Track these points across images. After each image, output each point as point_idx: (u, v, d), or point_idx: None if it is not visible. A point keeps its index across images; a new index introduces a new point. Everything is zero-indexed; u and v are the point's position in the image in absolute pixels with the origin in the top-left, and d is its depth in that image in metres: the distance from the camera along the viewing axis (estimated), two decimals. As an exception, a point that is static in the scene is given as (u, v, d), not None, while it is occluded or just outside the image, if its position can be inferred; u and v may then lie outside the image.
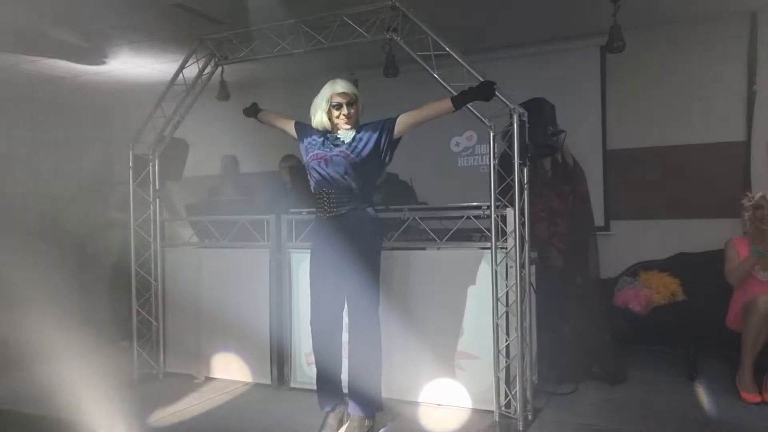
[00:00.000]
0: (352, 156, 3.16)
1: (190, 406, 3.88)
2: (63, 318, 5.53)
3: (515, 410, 3.38)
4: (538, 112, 3.46)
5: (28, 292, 5.66)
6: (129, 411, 3.75)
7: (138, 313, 4.57)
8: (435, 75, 3.52)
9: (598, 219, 5.48)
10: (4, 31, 4.72)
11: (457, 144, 6.17)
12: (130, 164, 4.49)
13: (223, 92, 4.57)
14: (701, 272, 4.82)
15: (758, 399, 3.60)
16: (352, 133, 3.22)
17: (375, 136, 3.19)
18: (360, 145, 3.18)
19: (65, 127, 7.20)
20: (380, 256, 3.30)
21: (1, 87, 6.22)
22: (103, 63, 5.79)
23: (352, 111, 3.21)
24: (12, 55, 5.37)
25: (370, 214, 3.24)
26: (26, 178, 6.20)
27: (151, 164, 4.53)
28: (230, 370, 4.37)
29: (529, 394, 3.45)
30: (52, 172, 6.16)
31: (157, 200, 4.56)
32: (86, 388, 4.30)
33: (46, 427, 3.61)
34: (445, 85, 3.48)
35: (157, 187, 4.55)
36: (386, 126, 3.21)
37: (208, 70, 4.39)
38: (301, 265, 4.11)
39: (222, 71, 4.44)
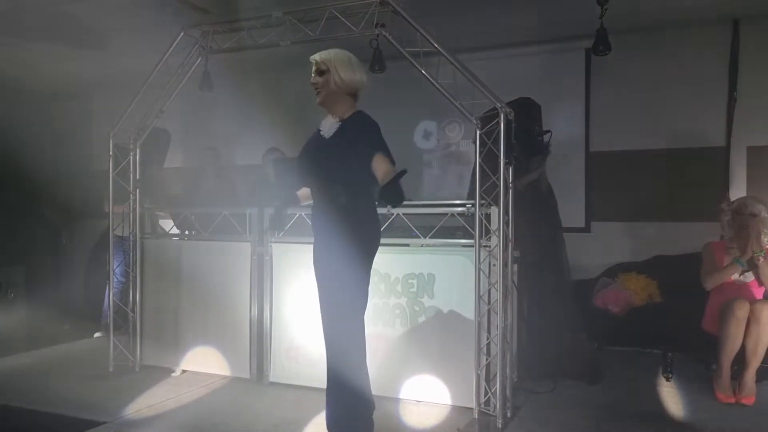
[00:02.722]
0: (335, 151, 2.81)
1: (167, 399, 3.83)
2: (39, 306, 5.46)
3: (494, 408, 3.40)
4: (525, 111, 3.47)
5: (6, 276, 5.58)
6: (104, 403, 3.71)
7: (115, 304, 4.51)
8: (423, 72, 3.51)
9: (579, 220, 5.55)
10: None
11: (441, 141, 6.18)
12: (110, 153, 4.41)
13: (207, 82, 4.52)
14: (678, 274, 4.88)
15: (732, 400, 3.66)
16: (336, 127, 2.85)
17: (356, 142, 2.80)
18: (343, 142, 2.81)
19: (46, 114, 7.07)
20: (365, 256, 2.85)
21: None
22: (86, 48, 5.69)
23: (319, 80, 2.82)
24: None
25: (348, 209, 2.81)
26: (8, 163, 6.08)
27: (131, 153, 4.46)
28: (209, 363, 4.32)
29: (508, 392, 3.46)
30: (34, 159, 6.04)
31: (137, 190, 4.50)
32: (61, 379, 4.25)
33: (21, 418, 3.54)
34: (433, 82, 3.48)
35: (137, 177, 4.49)
36: (368, 144, 2.80)
37: (192, 59, 4.33)
38: (283, 258, 4.08)
39: (206, 61, 4.38)
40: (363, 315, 2.85)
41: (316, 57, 2.84)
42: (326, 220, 2.83)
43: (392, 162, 2.76)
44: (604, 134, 5.64)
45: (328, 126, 2.86)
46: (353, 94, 2.89)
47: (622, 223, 5.55)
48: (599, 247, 5.47)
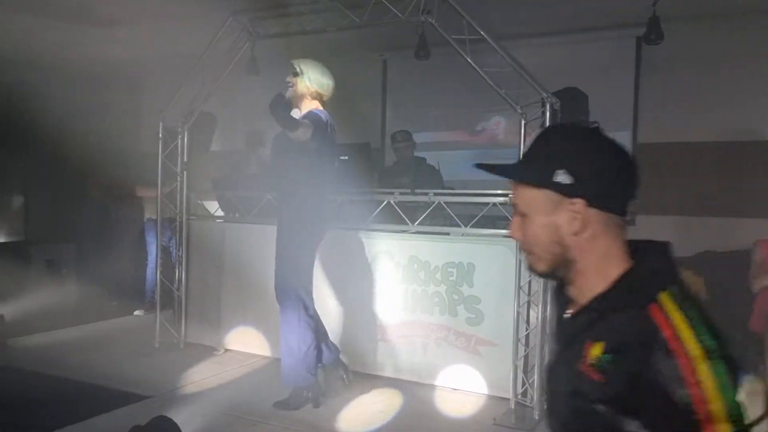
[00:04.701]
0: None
1: (210, 377, 3.95)
2: (89, 283, 5.65)
3: (532, 399, 3.39)
4: (571, 101, 3.42)
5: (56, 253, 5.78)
6: (150, 378, 3.83)
7: (162, 283, 4.64)
8: (468, 59, 3.49)
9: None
10: None
11: (484, 130, 6.12)
12: (160, 136, 4.52)
13: (253, 67, 4.58)
14: (726, 271, 4.75)
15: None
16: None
17: None
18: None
19: (97, 97, 7.27)
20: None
21: (31, 52, 6.29)
22: (137, 32, 5.82)
23: (292, 80, 3.38)
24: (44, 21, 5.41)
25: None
26: (59, 143, 6.28)
27: (180, 137, 4.56)
28: (250, 343, 4.42)
29: (546, 383, 3.44)
30: (85, 140, 6.23)
31: (185, 173, 4.60)
32: (109, 354, 4.41)
33: (70, 390, 3.69)
34: (478, 70, 3.45)
35: (185, 160, 4.59)
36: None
37: (239, 44, 4.39)
38: (322, 243, 4.12)
39: (253, 47, 4.43)
40: None
41: (294, 62, 3.38)
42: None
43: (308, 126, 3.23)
44: (653, 125, 5.49)
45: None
46: (320, 99, 3.41)
47: (668, 217, 5.41)
48: (644, 241, 5.35)
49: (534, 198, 1.06)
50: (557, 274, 1.11)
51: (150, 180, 4.71)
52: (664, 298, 0.99)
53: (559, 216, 1.04)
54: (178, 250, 4.62)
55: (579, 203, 1.03)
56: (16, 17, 5.28)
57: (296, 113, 3.36)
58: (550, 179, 1.03)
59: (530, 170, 1.08)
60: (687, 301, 1.00)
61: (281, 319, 3.44)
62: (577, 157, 1.05)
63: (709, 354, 0.92)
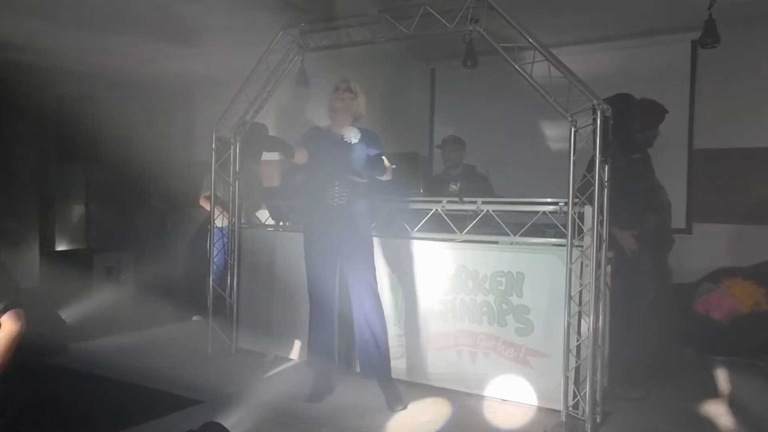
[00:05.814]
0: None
1: (259, 382, 4.02)
2: (146, 289, 5.84)
3: (583, 411, 3.32)
4: (624, 108, 3.35)
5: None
6: (203, 383, 3.93)
7: (214, 290, 4.75)
8: (517, 67, 3.47)
9: (679, 221, 5.27)
10: (119, 13, 4.97)
11: (534, 138, 6.04)
12: (213, 146, 4.65)
13: (303, 79, 4.66)
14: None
15: None
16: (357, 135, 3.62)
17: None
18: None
19: (154, 109, 7.53)
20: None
21: (93, 66, 6.57)
22: (191, 47, 6.01)
23: (348, 96, 3.68)
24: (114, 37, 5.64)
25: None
26: (119, 154, 6.54)
27: (232, 147, 4.67)
28: (298, 350, 4.48)
29: (598, 396, 3.37)
30: (143, 151, 6.48)
31: (236, 182, 4.71)
32: (164, 358, 4.54)
33: (126, 393, 3.82)
34: (528, 78, 3.42)
35: (237, 169, 4.70)
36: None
37: (290, 57, 4.48)
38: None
39: (303, 59, 4.52)
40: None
41: (349, 80, 3.69)
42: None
43: None
44: (710, 131, 5.32)
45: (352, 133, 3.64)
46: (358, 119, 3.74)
47: (726, 226, 5.23)
48: (701, 250, 5.17)
49: None
50: None
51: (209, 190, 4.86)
52: None
53: None
54: (230, 258, 4.73)
55: None
56: (80, 33, 5.54)
57: (350, 131, 3.62)
58: None
59: None
60: None
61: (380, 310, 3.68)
62: None
63: None
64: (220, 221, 4.86)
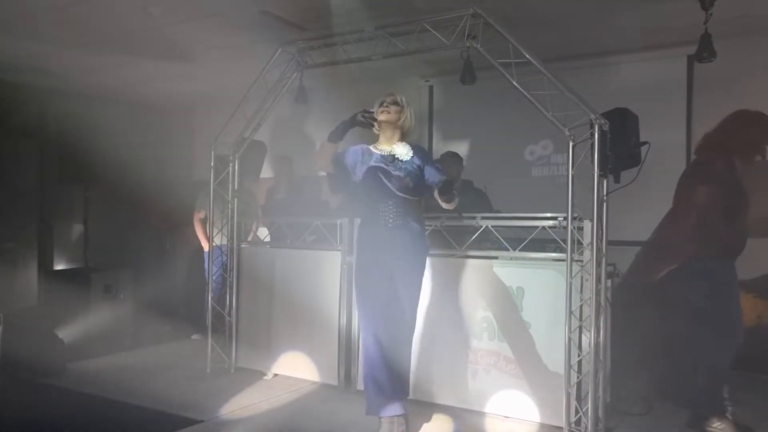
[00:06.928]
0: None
1: (259, 401, 3.98)
2: (144, 308, 5.81)
3: (585, 428, 3.29)
4: (621, 122, 3.36)
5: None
6: (201, 402, 3.89)
7: (213, 308, 4.72)
8: (514, 83, 3.48)
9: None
10: (116, 34, 5.00)
11: (532, 153, 6.06)
12: (212, 164, 4.65)
13: (302, 96, 4.68)
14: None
15: None
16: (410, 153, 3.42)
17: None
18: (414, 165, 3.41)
19: (152, 127, 7.55)
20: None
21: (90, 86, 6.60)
22: (189, 66, 6.04)
23: (395, 109, 3.41)
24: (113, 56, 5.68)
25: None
26: (117, 173, 6.55)
27: (231, 165, 4.68)
28: (299, 368, 4.44)
29: (600, 412, 3.34)
30: (142, 169, 6.49)
31: (235, 200, 4.71)
32: (162, 378, 4.50)
33: (125, 413, 3.78)
34: (526, 94, 3.43)
35: (236, 187, 4.70)
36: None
37: (288, 74, 4.50)
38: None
39: (301, 76, 4.54)
40: None
41: (395, 94, 3.43)
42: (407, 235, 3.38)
43: None
44: (708, 145, 5.32)
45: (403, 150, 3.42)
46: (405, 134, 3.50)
47: (726, 239, 5.21)
48: (701, 264, 5.15)
49: None
50: None
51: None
52: None
53: None
54: (229, 276, 4.71)
55: None
56: (79, 54, 5.57)
57: (401, 147, 3.42)
58: None
59: None
60: None
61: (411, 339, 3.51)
62: None
63: None
64: (218, 239, 4.86)
